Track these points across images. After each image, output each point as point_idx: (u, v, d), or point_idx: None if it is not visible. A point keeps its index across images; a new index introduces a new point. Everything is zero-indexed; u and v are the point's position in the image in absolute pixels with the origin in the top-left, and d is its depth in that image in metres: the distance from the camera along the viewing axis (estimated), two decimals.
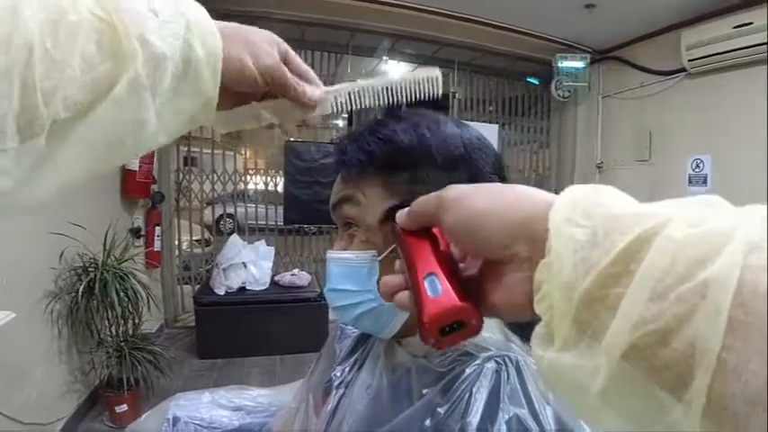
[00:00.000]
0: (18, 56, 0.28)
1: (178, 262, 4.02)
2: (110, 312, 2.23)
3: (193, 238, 4.24)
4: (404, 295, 0.33)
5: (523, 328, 0.54)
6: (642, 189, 3.74)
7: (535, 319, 0.26)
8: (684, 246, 0.20)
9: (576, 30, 3.73)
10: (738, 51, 2.89)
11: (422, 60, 4.54)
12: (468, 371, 0.50)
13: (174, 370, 2.64)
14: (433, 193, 0.33)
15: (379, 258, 0.55)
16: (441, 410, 0.48)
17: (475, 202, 0.29)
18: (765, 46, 2.72)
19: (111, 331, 2.29)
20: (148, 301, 2.40)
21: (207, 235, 4.55)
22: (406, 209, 0.36)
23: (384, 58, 4.31)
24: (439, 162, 0.55)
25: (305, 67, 0.45)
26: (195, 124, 0.39)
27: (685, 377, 0.19)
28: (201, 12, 0.37)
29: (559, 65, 4.00)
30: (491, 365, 0.50)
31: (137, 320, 2.35)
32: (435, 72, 0.50)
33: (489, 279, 0.30)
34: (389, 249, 0.54)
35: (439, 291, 0.29)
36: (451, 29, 3.80)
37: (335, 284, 0.58)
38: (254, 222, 4.30)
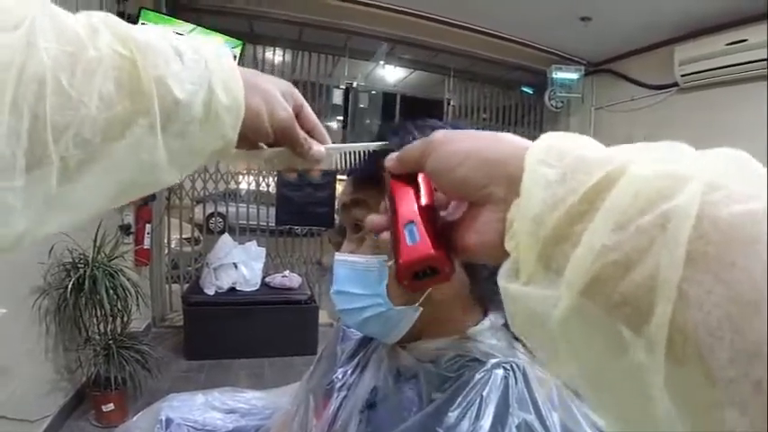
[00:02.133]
0: (29, 89, 0.27)
1: (167, 260, 3.98)
2: (98, 310, 2.20)
3: (183, 236, 4.19)
4: (386, 236, 0.35)
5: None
6: None
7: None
8: (648, 181, 0.21)
9: (571, 41, 3.79)
10: (731, 68, 2.96)
11: (418, 66, 4.57)
12: (477, 376, 0.50)
13: (161, 370, 2.60)
14: (420, 139, 0.34)
15: (389, 263, 0.55)
16: (452, 415, 0.48)
17: (456, 144, 0.31)
18: (762, 62, 2.78)
19: (99, 329, 2.25)
20: (137, 299, 2.37)
21: (196, 233, 4.50)
22: (396, 153, 0.37)
23: (381, 62, 4.32)
24: None
25: (315, 122, 0.46)
26: (209, 162, 0.40)
27: (646, 311, 0.19)
28: (226, 55, 0.37)
29: (554, 75, 4.05)
30: (500, 372, 0.50)
31: (125, 318, 2.32)
32: None
33: (467, 222, 0.31)
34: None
35: (417, 238, 0.31)
36: (448, 36, 3.84)
37: (342, 287, 0.58)
38: (244, 222, 4.27)
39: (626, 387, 0.21)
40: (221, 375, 2.96)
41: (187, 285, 3.77)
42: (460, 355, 0.54)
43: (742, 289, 0.17)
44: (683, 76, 3.24)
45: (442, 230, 0.33)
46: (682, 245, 0.18)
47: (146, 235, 3.32)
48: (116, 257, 2.36)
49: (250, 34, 3.86)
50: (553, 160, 0.25)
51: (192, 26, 3.09)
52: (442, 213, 0.35)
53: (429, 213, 0.34)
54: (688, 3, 2.80)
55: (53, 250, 2.09)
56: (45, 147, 0.28)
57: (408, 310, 0.55)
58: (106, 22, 0.31)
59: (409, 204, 0.34)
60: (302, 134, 0.43)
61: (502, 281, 0.26)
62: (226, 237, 3.63)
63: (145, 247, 3.32)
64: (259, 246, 3.70)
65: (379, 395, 0.59)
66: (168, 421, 0.92)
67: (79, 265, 2.16)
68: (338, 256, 0.60)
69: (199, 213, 4.78)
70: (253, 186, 4.36)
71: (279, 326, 3.30)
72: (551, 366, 0.26)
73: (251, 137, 0.40)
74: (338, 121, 4.42)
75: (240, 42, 3.38)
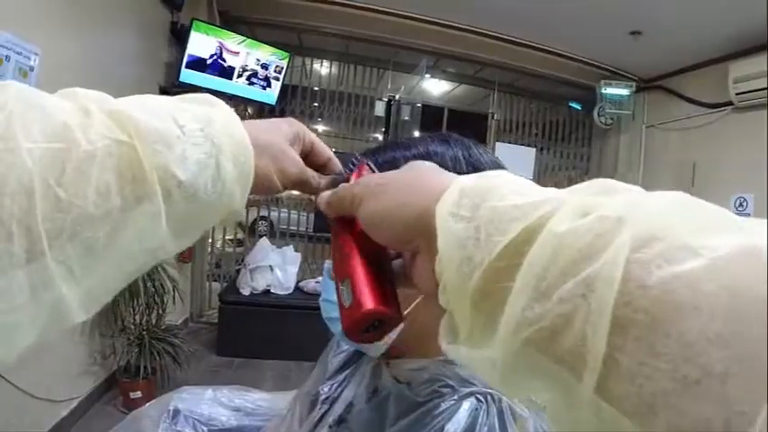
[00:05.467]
0: (15, 204, 0.24)
1: (210, 259, 4.15)
2: (135, 301, 2.32)
3: (227, 237, 4.36)
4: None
5: None
6: None
7: None
8: (568, 239, 0.19)
9: (621, 56, 3.65)
10: None
11: (463, 80, 4.55)
12: (443, 405, 0.48)
13: (191, 363, 2.70)
14: (349, 185, 0.34)
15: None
16: None
17: (378, 200, 0.30)
18: None
19: (134, 319, 2.38)
20: (174, 294, 2.49)
21: (240, 235, 4.67)
22: (327, 195, 0.35)
23: (426, 75, 4.34)
24: None
25: (328, 155, 0.44)
26: (219, 226, 0.39)
27: (581, 368, 0.18)
28: (235, 122, 0.34)
29: (603, 91, 3.91)
30: (469, 402, 0.48)
31: (160, 312, 2.43)
32: None
33: (411, 265, 0.30)
34: None
35: (350, 299, 0.30)
36: (494, 50, 3.80)
37: (328, 296, 0.59)
38: (285, 227, 4.39)
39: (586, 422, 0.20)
40: (249, 373, 3.04)
41: (226, 284, 3.91)
42: (434, 379, 0.52)
43: (678, 364, 0.15)
44: (737, 94, 3.04)
45: (385, 272, 0.32)
46: (606, 315, 0.17)
47: None
48: None
49: (299, 46, 4.01)
50: (465, 211, 0.24)
51: (243, 38, 3.24)
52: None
53: (368, 255, 0.32)
54: (742, 17, 2.63)
55: None
56: (42, 257, 0.25)
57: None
58: (98, 102, 0.29)
59: (346, 252, 0.33)
60: (311, 175, 0.42)
61: (443, 342, 0.26)
62: (264, 240, 3.74)
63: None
64: (296, 251, 3.79)
65: (352, 412, 0.59)
66: (176, 412, 0.95)
67: None
68: (327, 263, 0.60)
69: (249, 216, 4.95)
70: (295, 192, 4.46)
71: (308, 331, 3.33)
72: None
73: (260, 194, 0.40)
74: (381, 132, 4.47)
75: (287, 54, 3.50)
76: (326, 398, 0.66)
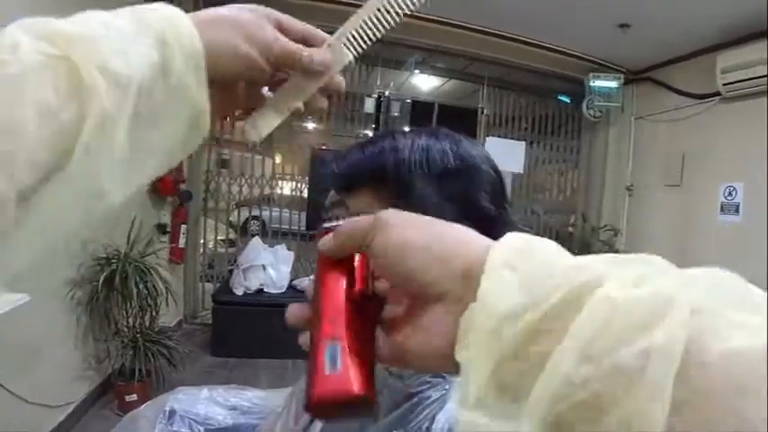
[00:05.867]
0: None
1: (202, 260, 4.13)
2: (128, 304, 2.31)
3: (218, 237, 4.34)
4: (306, 338, 0.29)
5: None
6: (673, 215, 3.62)
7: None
8: (622, 307, 0.18)
9: (610, 49, 3.68)
10: None
11: (452, 75, 4.56)
12: (434, 395, 0.49)
13: (186, 365, 2.69)
14: (358, 218, 0.29)
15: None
16: None
17: (407, 231, 0.26)
18: None
19: (128, 322, 2.37)
20: (167, 295, 2.48)
21: (233, 235, 4.65)
22: (331, 235, 0.30)
23: (415, 71, 4.34)
24: (424, 175, 0.55)
25: (302, 27, 0.39)
26: (193, 145, 0.34)
27: None
28: (173, 12, 0.32)
29: (592, 84, 3.93)
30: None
31: (153, 314, 2.43)
32: None
33: (411, 320, 0.26)
34: None
35: (337, 367, 0.25)
36: (482, 44, 3.80)
37: None
38: (278, 226, 4.38)
39: None
40: (244, 373, 3.04)
41: (219, 285, 3.89)
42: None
43: None
44: (725, 84, 3.07)
45: (370, 332, 0.28)
46: (667, 392, 0.16)
47: (181, 235, 3.46)
48: (149, 254, 2.48)
49: None
50: (518, 263, 0.22)
51: None
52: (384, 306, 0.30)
53: (359, 315, 0.28)
54: (729, 8, 2.66)
55: (88, 246, 2.22)
56: None
57: None
58: (27, 25, 0.27)
59: (337, 307, 0.28)
60: (294, 46, 0.37)
61: (462, 409, 0.22)
62: (256, 239, 3.74)
63: (179, 246, 3.46)
64: (289, 250, 3.78)
65: None
66: (172, 413, 0.95)
67: (112, 261, 2.28)
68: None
69: (240, 216, 4.93)
70: (287, 192, 4.47)
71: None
72: None
73: (242, 78, 0.36)
74: (372, 129, 4.46)
75: None
76: None
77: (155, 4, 0.32)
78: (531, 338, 0.20)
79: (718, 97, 3.22)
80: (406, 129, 0.61)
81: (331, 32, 0.41)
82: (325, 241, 0.30)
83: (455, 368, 0.23)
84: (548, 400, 0.18)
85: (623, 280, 0.20)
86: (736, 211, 3.16)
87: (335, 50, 0.40)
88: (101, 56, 0.27)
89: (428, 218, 0.28)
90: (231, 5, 0.36)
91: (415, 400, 0.50)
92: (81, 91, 0.26)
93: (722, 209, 3.24)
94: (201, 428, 0.95)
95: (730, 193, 3.19)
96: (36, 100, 0.25)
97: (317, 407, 0.25)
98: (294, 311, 0.30)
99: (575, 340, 0.18)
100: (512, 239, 0.24)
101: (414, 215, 0.28)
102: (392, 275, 0.27)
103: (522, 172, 4.06)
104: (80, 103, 0.26)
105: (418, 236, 0.26)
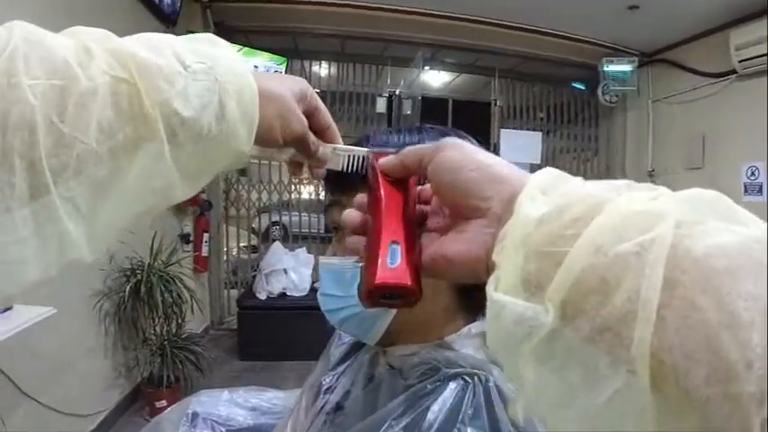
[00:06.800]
0: (17, 137, 0.25)
1: (226, 267, 4.22)
2: (155, 312, 2.39)
3: (241, 244, 4.43)
4: (358, 241, 0.35)
5: None
6: None
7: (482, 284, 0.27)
8: (628, 215, 0.22)
9: (621, 32, 3.59)
10: None
11: (463, 69, 4.53)
12: (430, 386, 0.49)
13: (214, 370, 2.76)
14: (418, 146, 0.34)
15: (361, 264, 0.56)
16: (397, 426, 0.48)
17: (469, 153, 0.31)
18: None
19: (155, 330, 2.45)
20: (192, 303, 2.55)
21: (254, 241, 4.73)
22: (393, 156, 0.36)
23: (425, 67, 4.33)
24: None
25: (329, 123, 0.44)
26: (221, 170, 0.38)
27: (626, 336, 0.20)
28: (238, 59, 0.34)
29: (606, 69, 3.85)
30: (456, 383, 0.49)
31: (180, 321, 2.50)
32: None
33: (452, 233, 0.31)
34: None
35: (396, 261, 0.31)
36: (491, 36, 3.77)
37: (324, 289, 0.60)
38: (298, 230, 4.43)
39: (599, 419, 0.22)
40: (271, 376, 3.10)
41: (243, 290, 3.97)
42: (423, 362, 0.53)
43: (711, 313, 0.18)
44: (740, 61, 2.97)
45: (417, 241, 0.33)
46: (659, 270, 0.20)
47: (203, 243, 3.55)
48: (173, 264, 2.55)
49: (294, 50, 4.03)
50: (549, 188, 0.26)
51: (240, 46, 3.28)
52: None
53: (412, 227, 0.33)
54: None
55: (113, 258, 2.30)
56: (47, 191, 0.26)
57: (381, 311, 0.55)
58: (100, 41, 0.29)
59: (397, 218, 0.33)
60: (312, 139, 0.42)
61: (490, 288, 0.26)
62: (277, 244, 3.79)
63: (203, 254, 3.55)
64: (310, 252, 3.83)
65: (348, 399, 0.61)
66: (194, 415, 0.98)
67: (137, 272, 2.36)
68: (321, 259, 0.62)
69: (262, 222, 5.01)
70: (305, 196, 4.52)
71: (326, 330, 3.37)
72: (519, 398, 0.27)
73: (259, 144, 0.39)
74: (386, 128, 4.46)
75: (284, 59, 3.54)
76: (328, 388, 0.68)
77: (226, 50, 0.35)
78: (553, 240, 0.23)
79: (735, 75, 3.13)
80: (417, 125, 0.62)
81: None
82: (388, 160, 0.36)
83: (486, 273, 0.27)
84: (565, 289, 0.22)
85: (631, 198, 0.24)
86: (759, 191, 3.06)
87: (335, 155, 0.45)
88: (165, 96, 0.30)
89: (478, 148, 0.32)
90: (284, 77, 0.40)
91: (412, 391, 0.51)
92: (139, 118, 0.29)
93: (746, 190, 3.14)
94: (223, 429, 0.97)
95: (753, 173, 3.09)
96: (99, 117, 0.27)
97: (374, 291, 0.31)
98: (352, 216, 0.36)
99: (587, 239, 0.22)
100: (547, 171, 0.28)
101: (468, 144, 0.32)
102: (445, 187, 0.31)
103: (539, 163, 4.01)
104: (136, 130, 0.29)
105: (476, 158, 0.30)
